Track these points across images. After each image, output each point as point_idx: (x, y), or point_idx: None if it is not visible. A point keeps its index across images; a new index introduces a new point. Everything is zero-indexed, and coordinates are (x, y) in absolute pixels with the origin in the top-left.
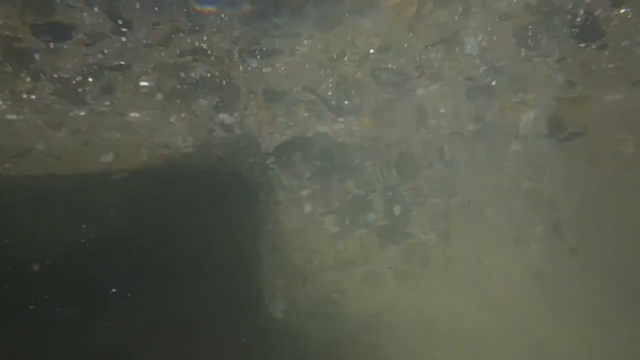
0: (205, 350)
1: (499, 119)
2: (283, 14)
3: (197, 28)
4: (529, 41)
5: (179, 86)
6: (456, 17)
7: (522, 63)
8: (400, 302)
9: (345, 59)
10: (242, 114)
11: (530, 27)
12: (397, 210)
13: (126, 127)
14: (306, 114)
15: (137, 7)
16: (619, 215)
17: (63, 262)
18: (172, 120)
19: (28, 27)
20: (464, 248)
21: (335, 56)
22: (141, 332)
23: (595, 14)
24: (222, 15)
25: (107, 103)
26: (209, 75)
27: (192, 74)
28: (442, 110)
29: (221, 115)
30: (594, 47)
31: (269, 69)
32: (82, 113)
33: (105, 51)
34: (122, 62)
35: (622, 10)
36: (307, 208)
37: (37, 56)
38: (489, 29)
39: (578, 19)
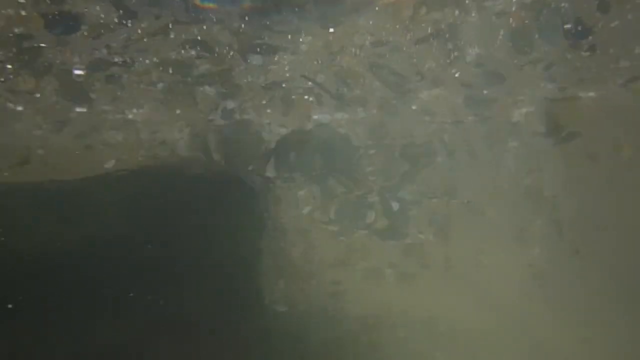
0: (205, 350)
1: (498, 116)
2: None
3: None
4: (523, 40)
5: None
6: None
7: (514, 62)
8: (399, 302)
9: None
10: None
11: (523, 25)
12: (396, 209)
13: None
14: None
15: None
16: (619, 215)
17: (63, 262)
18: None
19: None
20: (464, 248)
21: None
22: (141, 332)
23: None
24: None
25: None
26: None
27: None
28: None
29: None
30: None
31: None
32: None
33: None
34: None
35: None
36: (307, 207)
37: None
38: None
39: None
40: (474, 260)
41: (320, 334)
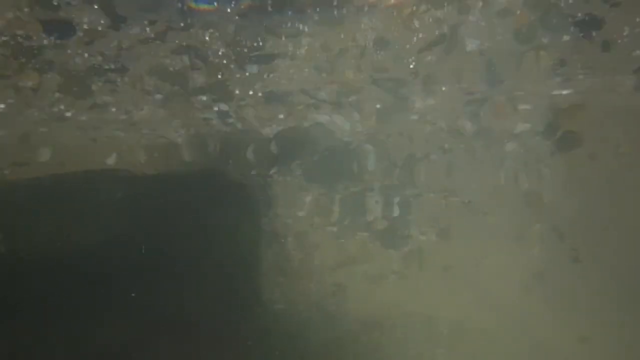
0: (205, 350)
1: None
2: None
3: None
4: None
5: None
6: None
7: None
8: (399, 302)
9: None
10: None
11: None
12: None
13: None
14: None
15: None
16: (620, 216)
17: (63, 262)
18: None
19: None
20: (464, 248)
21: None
22: (141, 332)
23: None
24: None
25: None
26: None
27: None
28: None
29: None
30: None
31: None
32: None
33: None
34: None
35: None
36: (307, 207)
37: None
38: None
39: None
40: (474, 261)
41: (320, 334)
